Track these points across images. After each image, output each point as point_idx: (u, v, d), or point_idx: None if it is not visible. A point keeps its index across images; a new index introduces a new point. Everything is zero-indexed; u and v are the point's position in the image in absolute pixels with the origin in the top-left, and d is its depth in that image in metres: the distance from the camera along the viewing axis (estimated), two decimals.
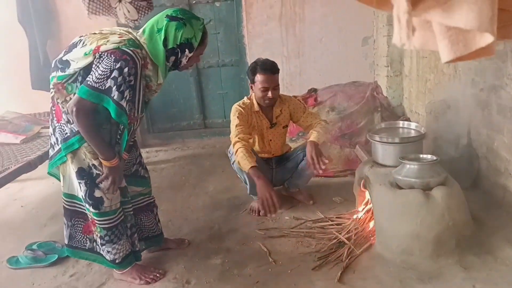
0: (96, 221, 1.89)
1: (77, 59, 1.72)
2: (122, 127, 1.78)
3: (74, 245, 2.03)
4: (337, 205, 2.67)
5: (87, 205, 1.88)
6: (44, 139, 2.80)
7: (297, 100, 2.76)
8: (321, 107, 3.59)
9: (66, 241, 2.04)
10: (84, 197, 1.86)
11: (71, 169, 1.86)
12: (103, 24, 2.93)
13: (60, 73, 1.76)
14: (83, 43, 1.75)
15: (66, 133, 1.81)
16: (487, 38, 0.66)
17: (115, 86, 1.65)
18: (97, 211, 1.86)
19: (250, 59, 4.22)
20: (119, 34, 1.76)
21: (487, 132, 2.38)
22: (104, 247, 1.94)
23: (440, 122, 2.80)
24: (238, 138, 2.39)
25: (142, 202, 2.18)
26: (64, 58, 1.76)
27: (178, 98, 4.57)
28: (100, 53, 1.68)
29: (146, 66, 1.76)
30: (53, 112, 1.86)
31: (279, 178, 2.80)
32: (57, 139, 1.87)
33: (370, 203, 2.30)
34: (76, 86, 1.74)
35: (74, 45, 1.78)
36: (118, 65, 1.64)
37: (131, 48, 1.68)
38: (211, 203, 2.93)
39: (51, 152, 1.94)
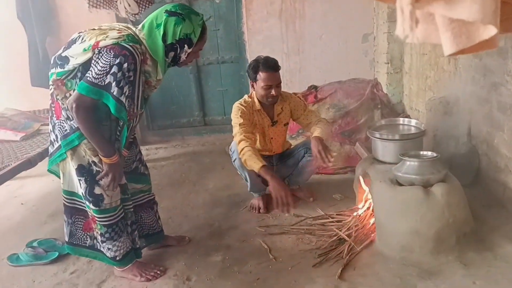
0: (96, 218, 1.89)
1: (76, 55, 1.71)
2: (121, 123, 1.78)
3: (74, 242, 2.03)
4: (337, 202, 2.67)
5: (87, 202, 1.88)
6: (43, 136, 2.79)
7: (297, 97, 2.76)
8: (321, 104, 3.59)
9: (66, 239, 2.04)
10: (84, 194, 1.86)
11: (71, 166, 1.85)
12: (103, 19, 2.92)
13: (59, 70, 1.75)
14: (82, 39, 1.74)
15: (66, 129, 1.80)
16: (491, 31, 0.65)
17: (114, 82, 1.64)
18: (97, 208, 1.86)
19: (250, 56, 4.21)
20: (118, 30, 1.75)
21: (488, 129, 2.38)
22: (104, 244, 1.94)
23: (440, 119, 2.80)
24: (243, 136, 2.36)
25: (142, 199, 2.18)
26: (63, 54, 1.76)
27: (178, 95, 4.57)
28: (99, 48, 1.67)
29: (145, 62, 1.76)
30: (53, 109, 1.85)
31: (279, 175, 2.79)
32: (56, 136, 1.86)
33: (370, 200, 2.30)
34: (76, 82, 1.73)
35: (73, 41, 1.77)
36: (117, 61, 1.63)
37: (130, 44, 1.68)
38: (211, 200, 2.93)
39: (50, 149, 1.93)
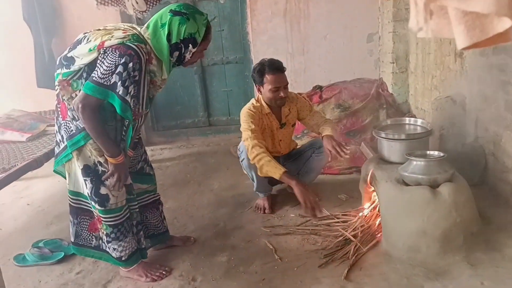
0: (102, 218, 1.89)
1: (82, 55, 1.72)
2: (127, 123, 1.78)
3: (80, 242, 2.03)
4: (343, 203, 2.66)
5: (92, 203, 1.88)
6: (49, 137, 2.80)
7: (303, 98, 2.75)
8: (326, 104, 3.58)
9: (72, 239, 2.05)
10: (89, 195, 1.87)
11: (77, 166, 1.86)
12: (107, 19, 2.93)
13: (65, 70, 1.76)
14: (88, 39, 1.75)
15: (72, 130, 1.81)
16: (505, 23, 0.64)
17: (120, 81, 1.64)
18: (102, 208, 1.87)
19: (254, 56, 4.21)
20: (123, 30, 1.76)
21: (495, 128, 2.36)
22: (110, 244, 1.94)
23: (447, 118, 2.78)
24: (256, 142, 2.33)
25: (148, 200, 2.18)
26: (69, 55, 1.76)
27: (183, 96, 4.58)
28: (104, 48, 1.67)
29: (150, 61, 1.76)
30: (59, 109, 1.86)
31: None
32: (62, 136, 1.87)
33: (376, 200, 2.29)
34: (81, 82, 1.74)
35: (79, 42, 1.78)
36: (122, 60, 1.64)
37: (136, 43, 1.68)
38: (216, 200, 2.93)
39: (56, 150, 1.94)
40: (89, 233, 2.01)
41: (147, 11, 3.06)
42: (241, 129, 2.48)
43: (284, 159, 2.78)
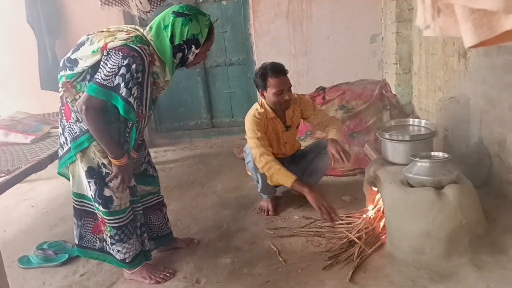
0: (106, 220, 1.89)
1: (85, 57, 1.72)
2: (130, 125, 1.78)
3: (84, 244, 2.03)
4: (347, 204, 2.64)
5: (96, 204, 1.88)
6: (53, 139, 2.80)
7: (305, 97, 2.74)
8: (329, 105, 3.57)
9: (76, 241, 2.05)
10: (93, 196, 1.87)
11: (81, 168, 1.86)
12: (110, 20, 2.93)
13: (68, 72, 1.77)
14: (91, 41, 1.75)
15: (76, 132, 1.81)
16: None
17: (123, 83, 1.65)
18: (106, 210, 1.87)
19: (257, 58, 4.21)
20: (126, 31, 1.76)
21: (499, 129, 2.34)
22: (114, 246, 1.94)
23: (451, 119, 2.76)
24: (264, 150, 2.34)
25: (151, 201, 2.18)
26: (72, 57, 1.77)
27: (186, 98, 4.58)
28: (107, 50, 1.68)
29: (153, 63, 1.76)
30: (62, 111, 1.86)
31: None
32: (66, 138, 1.87)
33: (380, 202, 2.28)
34: (85, 84, 1.74)
35: (82, 44, 1.78)
36: (126, 62, 1.64)
37: (139, 45, 1.68)
38: (219, 202, 2.92)
39: (60, 152, 1.94)
40: (93, 235, 2.01)
41: (151, 11, 3.06)
42: (246, 136, 2.46)
43: (289, 161, 2.77)
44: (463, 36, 0.67)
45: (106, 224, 1.90)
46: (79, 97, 1.74)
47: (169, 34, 1.74)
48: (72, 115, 1.80)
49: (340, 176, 3.11)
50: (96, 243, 2.01)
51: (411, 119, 2.57)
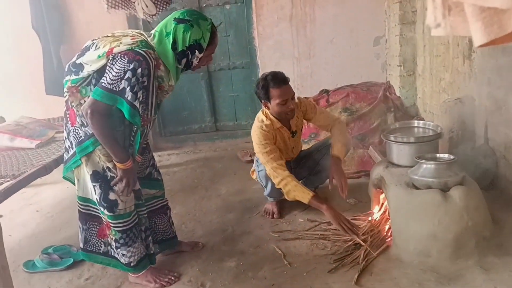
0: (110, 224, 1.89)
1: (91, 62, 1.73)
2: (135, 129, 1.79)
3: (89, 248, 2.04)
4: (352, 207, 2.63)
5: (101, 208, 1.89)
6: (58, 143, 2.82)
7: (304, 99, 2.72)
8: (333, 108, 3.57)
9: (81, 245, 2.05)
10: (98, 200, 1.87)
11: (86, 172, 1.86)
12: (114, 25, 2.94)
13: (74, 77, 1.77)
14: (96, 46, 1.76)
15: (81, 136, 1.82)
16: None
17: (128, 87, 1.65)
18: (111, 214, 1.87)
19: (260, 61, 4.22)
20: (131, 36, 1.77)
21: (505, 130, 2.33)
22: (119, 250, 1.94)
23: (456, 121, 2.75)
24: (277, 164, 2.31)
25: (156, 205, 2.18)
26: (77, 62, 1.77)
27: (190, 102, 4.59)
28: (113, 54, 1.68)
29: (158, 67, 1.77)
30: (67, 116, 1.87)
31: (297, 178, 2.77)
32: (71, 142, 1.88)
33: (385, 204, 2.26)
34: (90, 89, 1.75)
35: (87, 49, 1.79)
36: (131, 66, 1.64)
37: (144, 49, 1.69)
38: (223, 205, 2.92)
39: (65, 156, 1.95)
40: (98, 239, 2.01)
41: (156, 14, 3.08)
42: (255, 150, 2.44)
43: (295, 163, 2.76)
44: (472, 35, 0.66)
45: (111, 228, 1.90)
46: (84, 101, 1.75)
47: (171, 41, 1.75)
48: (77, 119, 1.81)
49: None
50: (101, 247, 2.01)
51: (415, 121, 2.56)
